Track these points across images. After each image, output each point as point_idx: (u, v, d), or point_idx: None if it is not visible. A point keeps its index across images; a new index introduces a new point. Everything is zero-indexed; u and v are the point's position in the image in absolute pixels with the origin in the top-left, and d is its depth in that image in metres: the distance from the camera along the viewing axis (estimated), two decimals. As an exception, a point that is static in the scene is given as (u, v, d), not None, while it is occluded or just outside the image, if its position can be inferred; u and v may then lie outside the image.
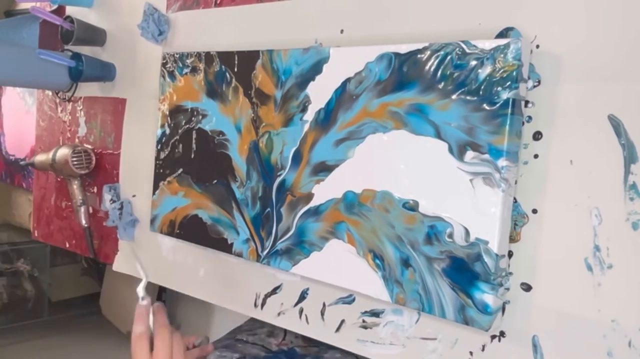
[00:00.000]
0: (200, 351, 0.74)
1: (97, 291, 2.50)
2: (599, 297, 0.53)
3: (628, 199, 0.52)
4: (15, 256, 2.36)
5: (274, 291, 0.80)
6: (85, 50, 1.10)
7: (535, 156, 0.57)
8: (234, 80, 0.80)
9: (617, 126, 0.53)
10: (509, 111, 0.54)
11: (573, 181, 0.55)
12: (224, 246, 0.81)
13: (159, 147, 0.91)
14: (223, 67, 0.81)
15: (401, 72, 0.62)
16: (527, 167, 0.58)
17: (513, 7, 0.59)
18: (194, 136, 0.85)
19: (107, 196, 1.06)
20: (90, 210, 1.12)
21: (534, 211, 0.57)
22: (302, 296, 0.76)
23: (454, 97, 0.58)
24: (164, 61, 0.90)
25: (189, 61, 0.86)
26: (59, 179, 1.23)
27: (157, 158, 0.91)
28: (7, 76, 1.01)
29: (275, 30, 0.81)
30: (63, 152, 1.09)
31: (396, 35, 0.68)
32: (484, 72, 0.56)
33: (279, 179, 0.74)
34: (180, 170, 0.87)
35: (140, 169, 1.01)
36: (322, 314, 0.74)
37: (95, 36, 1.08)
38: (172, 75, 0.89)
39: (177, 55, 0.87)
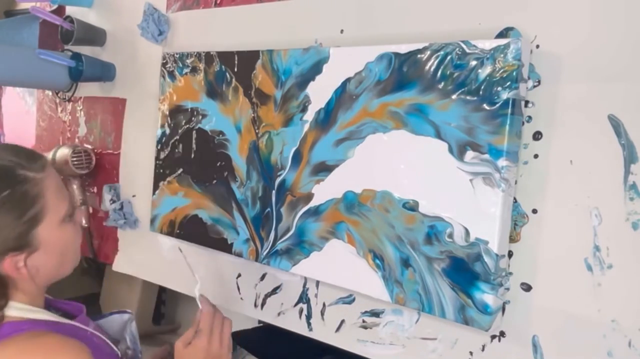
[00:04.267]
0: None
1: (97, 291, 2.50)
2: (599, 297, 0.53)
3: (628, 199, 0.52)
4: (15, 256, 2.36)
5: (274, 291, 0.80)
6: (85, 50, 1.10)
7: (535, 156, 0.57)
8: (234, 80, 0.80)
9: (617, 126, 0.53)
10: (509, 111, 0.54)
11: (573, 181, 0.55)
12: (224, 246, 0.81)
13: (159, 147, 0.91)
14: (223, 67, 0.81)
15: (401, 72, 0.62)
16: (527, 167, 0.58)
17: (513, 7, 0.59)
18: (194, 136, 0.85)
19: (107, 196, 1.06)
20: (90, 210, 1.12)
21: (534, 211, 0.57)
22: (302, 296, 0.76)
23: (454, 97, 0.58)
24: (164, 61, 0.90)
25: (189, 61, 0.86)
26: (59, 179, 1.22)
27: (157, 158, 0.91)
28: (7, 76, 1.01)
29: (275, 30, 0.81)
30: (63, 152, 1.09)
31: (396, 35, 0.68)
32: (484, 72, 0.56)
33: (279, 179, 0.74)
34: (180, 170, 0.87)
35: (140, 169, 1.01)
36: (322, 314, 0.74)
37: (95, 36, 1.08)
38: (172, 75, 0.89)
39: (177, 55, 0.87)
